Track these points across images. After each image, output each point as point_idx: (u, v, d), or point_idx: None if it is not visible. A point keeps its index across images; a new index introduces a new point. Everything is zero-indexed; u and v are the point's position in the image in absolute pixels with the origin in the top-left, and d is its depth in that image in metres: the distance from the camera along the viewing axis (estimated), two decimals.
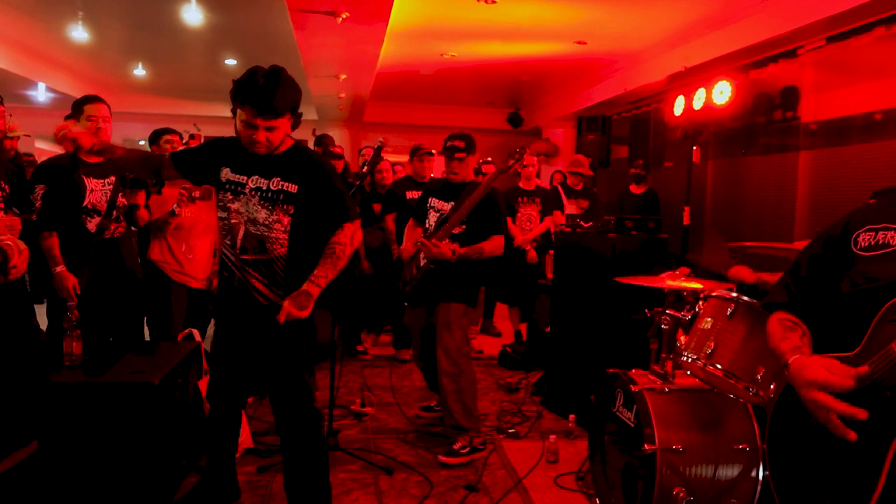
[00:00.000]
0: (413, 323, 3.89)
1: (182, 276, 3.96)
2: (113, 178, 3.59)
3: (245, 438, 3.55)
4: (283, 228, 2.49)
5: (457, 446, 3.56)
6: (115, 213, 3.59)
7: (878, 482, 1.32)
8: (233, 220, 2.54)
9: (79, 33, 8.34)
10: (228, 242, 2.57)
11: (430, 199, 3.82)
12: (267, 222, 2.49)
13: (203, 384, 3.40)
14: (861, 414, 1.35)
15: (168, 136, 4.18)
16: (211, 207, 4.08)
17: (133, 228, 3.87)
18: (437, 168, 5.20)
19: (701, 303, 2.50)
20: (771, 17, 5.75)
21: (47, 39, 8.87)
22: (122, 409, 2.70)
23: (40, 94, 11.04)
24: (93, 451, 2.69)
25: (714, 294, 2.45)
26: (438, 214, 3.72)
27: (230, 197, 2.55)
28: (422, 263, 3.67)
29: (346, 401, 4.36)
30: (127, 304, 3.73)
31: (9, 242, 1.98)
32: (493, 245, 3.57)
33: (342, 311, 5.13)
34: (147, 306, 3.95)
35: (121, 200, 3.62)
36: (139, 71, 10.66)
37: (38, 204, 3.36)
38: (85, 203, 3.48)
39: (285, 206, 2.48)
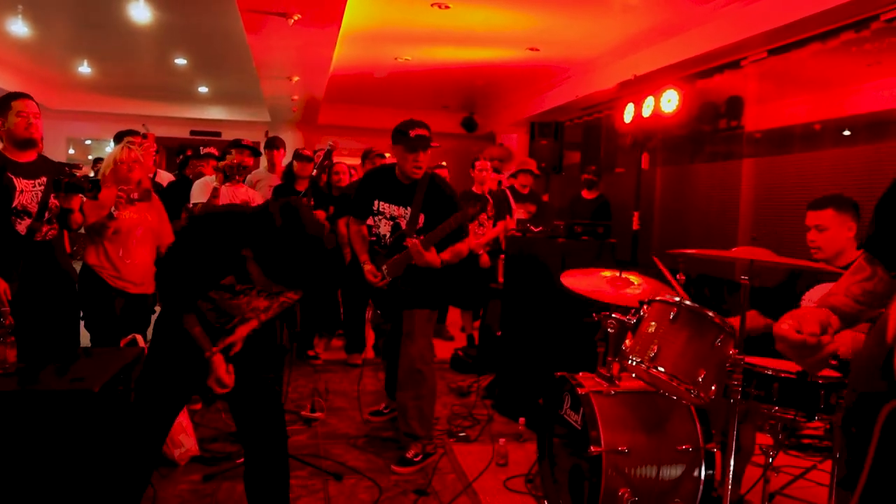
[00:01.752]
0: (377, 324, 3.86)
1: (120, 282, 3.79)
2: (44, 179, 3.46)
3: (191, 446, 3.47)
4: None
5: (409, 454, 3.54)
6: (46, 214, 3.46)
7: None
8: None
9: (18, 27, 8.05)
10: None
11: (376, 203, 3.65)
12: None
13: None
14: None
15: (129, 138, 4.08)
16: (150, 210, 3.94)
17: (66, 231, 3.73)
18: None
19: (645, 307, 2.55)
20: (716, 28, 5.93)
21: None
22: (60, 418, 2.61)
23: None
24: (30, 462, 2.59)
25: (658, 298, 2.50)
26: (393, 223, 3.60)
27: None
28: (387, 275, 3.60)
29: (296, 406, 4.31)
30: (61, 308, 3.61)
31: None
32: (468, 247, 3.57)
33: (293, 316, 5.07)
34: (84, 311, 3.83)
35: (53, 202, 3.48)
36: (84, 68, 10.35)
37: None
38: (14, 204, 3.35)
39: None
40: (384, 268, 3.60)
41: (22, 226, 3.39)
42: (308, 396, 4.50)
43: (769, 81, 6.36)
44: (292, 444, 3.69)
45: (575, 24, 6.70)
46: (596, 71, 8.25)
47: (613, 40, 7.17)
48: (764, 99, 6.58)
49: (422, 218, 3.52)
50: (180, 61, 9.56)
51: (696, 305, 2.42)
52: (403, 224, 3.58)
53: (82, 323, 3.88)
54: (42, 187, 3.45)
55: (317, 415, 4.21)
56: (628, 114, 6.42)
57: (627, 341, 2.55)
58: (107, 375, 2.82)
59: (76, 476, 2.62)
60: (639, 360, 2.40)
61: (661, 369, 2.34)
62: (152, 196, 4.02)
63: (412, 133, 3.47)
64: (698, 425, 2.67)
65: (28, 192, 3.41)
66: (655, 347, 2.36)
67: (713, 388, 2.33)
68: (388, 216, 3.63)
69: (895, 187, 1.43)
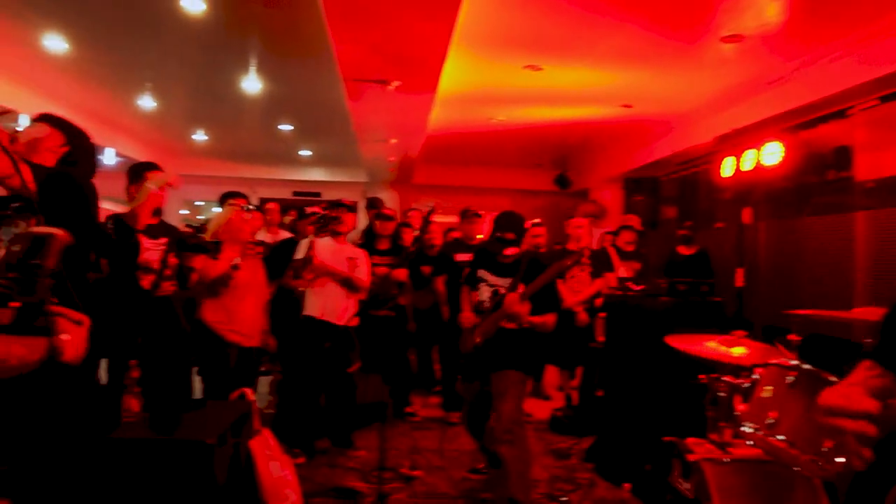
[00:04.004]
0: (467, 392, 3.88)
1: (234, 336, 4.02)
2: (165, 240, 3.74)
3: (296, 500, 3.54)
4: None
5: None
6: (166, 272, 3.72)
7: None
8: None
9: (146, 101, 8.84)
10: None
11: (480, 272, 3.84)
12: None
13: (255, 444, 3.42)
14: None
15: (232, 200, 4.38)
16: (257, 268, 4.18)
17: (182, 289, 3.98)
18: (484, 228, 5.27)
19: (759, 370, 2.44)
20: (821, 78, 5.74)
21: (118, 108, 9.40)
22: (178, 466, 2.74)
23: (109, 158, 11.63)
24: None
25: (773, 362, 2.39)
26: (493, 290, 3.74)
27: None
28: (480, 336, 3.71)
29: (395, 463, 4.32)
30: (178, 360, 3.82)
31: (65, 338, 1.84)
32: (554, 321, 3.63)
33: (392, 373, 5.14)
34: (200, 363, 4.04)
35: (171, 260, 3.74)
36: (200, 136, 11.17)
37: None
38: (140, 260, 3.62)
39: None
40: (478, 329, 3.72)
41: (146, 281, 3.65)
42: (407, 454, 4.51)
43: (881, 128, 6.06)
44: (392, 502, 3.70)
45: (668, 80, 6.67)
46: (692, 125, 8.13)
47: (708, 94, 7.07)
48: (876, 147, 6.26)
49: (521, 287, 3.60)
50: (285, 127, 10.16)
51: (817, 370, 2.29)
52: (502, 291, 3.70)
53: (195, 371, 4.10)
54: (164, 247, 3.73)
55: (415, 472, 4.21)
56: (728, 167, 6.25)
57: (741, 406, 2.43)
58: (221, 428, 2.95)
59: None
60: (755, 426, 2.28)
61: (781, 437, 2.21)
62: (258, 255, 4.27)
63: (498, 235, 3.76)
64: (824, 501, 2.49)
65: (152, 250, 3.69)
66: (774, 414, 2.24)
67: (841, 460, 2.17)
68: (489, 283, 3.78)
69: None
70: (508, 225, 3.73)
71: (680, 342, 3.04)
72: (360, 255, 4.72)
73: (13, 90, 7.64)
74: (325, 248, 4.56)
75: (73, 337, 1.57)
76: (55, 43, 6.56)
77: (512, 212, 3.83)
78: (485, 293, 3.78)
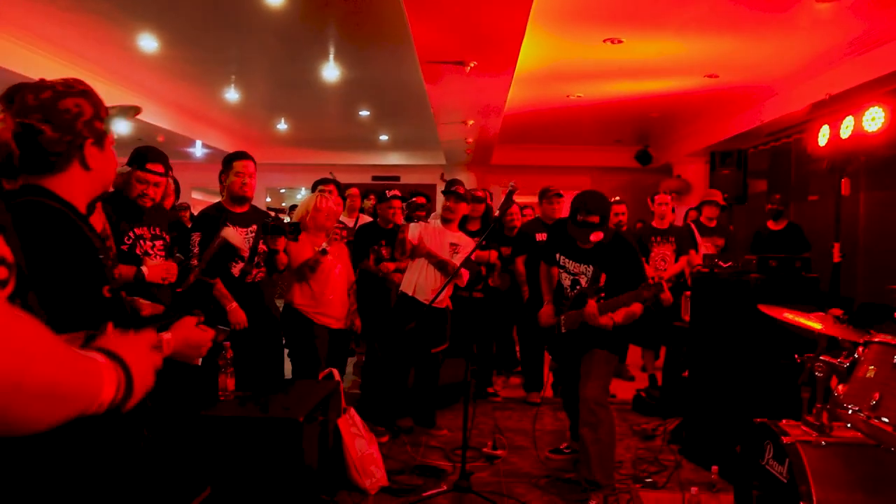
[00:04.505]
0: (556, 372, 3.88)
1: (323, 318, 4.15)
2: (255, 227, 3.87)
3: (381, 476, 3.63)
4: None
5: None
6: (256, 258, 3.85)
7: None
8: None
9: (231, 94, 9.16)
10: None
11: (559, 257, 3.74)
12: None
13: (342, 422, 3.53)
14: None
15: (323, 186, 4.55)
16: (343, 252, 4.29)
17: (272, 275, 4.09)
18: (565, 208, 5.18)
19: (861, 349, 2.31)
20: None
21: (204, 101, 9.80)
22: (270, 441, 2.87)
23: (197, 150, 12.17)
24: (241, 480, 2.86)
25: (877, 340, 2.25)
26: (572, 278, 3.66)
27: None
28: (563, 330, 3.68)
29: (477, 443, 4.36)
30: (269, 343, 3.96)
31: (143, 302, 2.14)
32: (642, 309, 3.47)
33: (473, 353, 5.17)
34: (290, 346, 4.18)
35: (262, 248, 3.87)
36: (281, 125, 11.50)
37: (195, 250, 3.69)
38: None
39: None
40: (562, 318, 3.68)
41: (236, 269, 3.80)
42: (489, 434, 4.54)
43: None
44: (476, 480, 3.74)
45: (757, 46, 6.34)
46: (783, 93, 7.71)
47: (801, 59, 6.68)
48: None
49: (603, 277, 3.52)
50: (363, 113, 10.32)
51: None
52: (583, 280, 3.61)
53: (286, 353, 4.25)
54: (253, 234, 3.86)
55: (498, 452, 4.24)
56: (823, 136, 5.88)
57: (841, 387, 2.31)
58: (309, 406, 3.06)
59: (281, 498, 2.85)
60: (857, 408, 2.17)
61: (886, 420, 2.10)
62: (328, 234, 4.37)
63: (579, 218, 3.44)
64: None
65: (241, 238, 3.82)
66: (877, 395, 2.12)
67: None
68: (569, 270, 3.70)
69: None
70: (592, 206, 3.42)
71: (775, 312, 2.90)
72: (466, 242, 4.65)
73: (110, 89, 8.08)
74: (431, 232, 4.60)
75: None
76: (147, 42, 6.88)
77: (593, 191, 3.58)
78: (565, 280, 3.71)
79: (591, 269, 3.58)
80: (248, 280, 3.84)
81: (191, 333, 1.50)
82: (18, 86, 1.42)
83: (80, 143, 1.45)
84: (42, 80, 1.45)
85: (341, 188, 4.93)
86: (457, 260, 4.47)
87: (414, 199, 5.70)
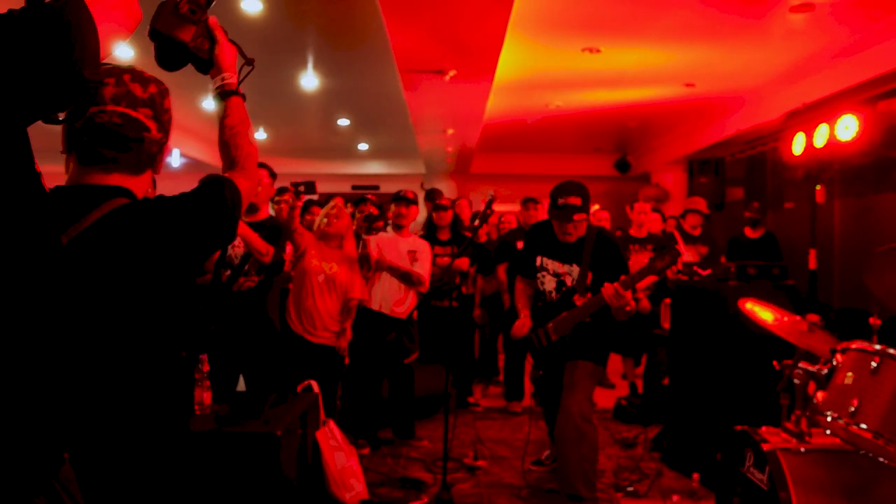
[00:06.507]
0: (538, 380, 3.82)
1: (297, 326, 4.05)
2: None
3: (361, 490, 3.58)
4: None
5: None
6: (245, 267, 3.77)
7: None
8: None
9: (208, 103, 9.07)
10: None
11: (539, 259, 3.62)
12: None
13: (321, 435, 3.48)
14: None
15: (278, 197, 4.47)
16: (341, 262, 4.15)
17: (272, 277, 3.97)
18: (542, 213, 5.19)
19: (839, 355, 2.32)
20: None
21: (180, 110, 9.67)
22: (247, 457, 2.81)
23: (174, 159, 12.02)
24: (220, 499, 2.80)
25: (854, 347, 2.26)
26: (557, 280, 3.57)
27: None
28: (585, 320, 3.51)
29: (458, 454, 4.32)
30: (255, 354, 3.87)
31: None
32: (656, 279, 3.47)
33: (454, 362, 5.14)
34: (267, 358, 4.09)
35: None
36: (260, 134, 11.41)
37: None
38: (225, 256, 3.69)
39: None
40: (550, 325, 3.53)
41: (224, 276, 3.72)
42: (470, 444, 4.51)
43: None
44: (457, 492, 3.71)
45: (733, 55, 6.41)
46: (758, 102, 7.80)
47: (776, 68, 6.77)
48: None
49: (590, 276, 3.45)
50: (343, 122, 10.27)
51: None
52: (568, 281, 3.53)
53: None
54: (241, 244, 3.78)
55: (479, 463, 4.21)
56: (798, 145, 5.96)
57: (819, 394, 2.32)
58: (288, 420, 3.00)
59: None
60: (836, 415, 2.17)
61: (864, 426, 2.10)
62: (344, 248, 4.23)
63: (560, 201, 3.40)
64: None
65: (236, 246, 3.75)
66: (856, 401, 2.13)
67: None
68: (551, 272, 3.59)
69: None
70: (571, 189, 3.38)
71: (755, 308, 2.90)
72: (423, 247, 4.69)
73: None
74: (387, 242, 4.57)
75: None
76: (123, 51, 6.79)
77: (572, 180, 3.54)
78: (549, 283, 3.59)
79: (575, 267, 3.50)
80: (235, 289, 3.75)
81: None
82: (115, 66, 1.30)
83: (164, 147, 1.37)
84: (132, 68, 1.33)
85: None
86: (417, 267, 4.48)
87: (362, 206, 5.35)
